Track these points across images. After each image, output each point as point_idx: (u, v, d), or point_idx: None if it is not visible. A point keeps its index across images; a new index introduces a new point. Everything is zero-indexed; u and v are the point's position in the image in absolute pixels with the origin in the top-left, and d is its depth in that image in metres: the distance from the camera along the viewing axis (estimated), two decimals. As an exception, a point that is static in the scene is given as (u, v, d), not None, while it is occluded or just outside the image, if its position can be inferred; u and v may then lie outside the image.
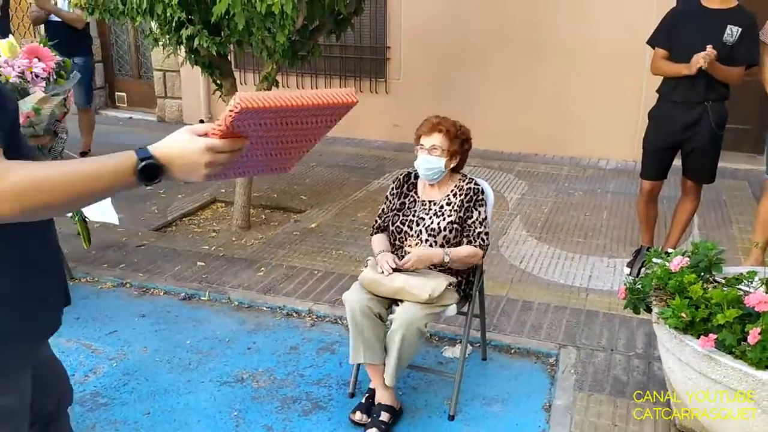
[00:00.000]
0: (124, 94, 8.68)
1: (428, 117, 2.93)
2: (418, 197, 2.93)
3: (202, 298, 3.85)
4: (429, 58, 6.95)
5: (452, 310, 2.76)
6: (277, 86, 4.57)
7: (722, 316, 2.05)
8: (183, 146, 1.21)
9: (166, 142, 1.22)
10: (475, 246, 2.80)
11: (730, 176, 5.94)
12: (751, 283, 2.49)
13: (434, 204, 2.88)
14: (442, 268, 2.77)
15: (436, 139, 2.84)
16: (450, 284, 2.72)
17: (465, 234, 2.83)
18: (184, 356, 3.28)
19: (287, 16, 3.74)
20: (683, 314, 2.16)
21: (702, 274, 2.51)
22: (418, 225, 2.83)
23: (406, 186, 2.98)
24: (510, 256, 4.37)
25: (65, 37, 5.47)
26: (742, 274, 2.49)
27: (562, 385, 2.98)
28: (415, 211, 2.89)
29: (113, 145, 7.20)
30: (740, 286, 2.43)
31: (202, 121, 6.47)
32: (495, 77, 6.77)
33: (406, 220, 2.86)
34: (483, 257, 2.87)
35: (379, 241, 2.90)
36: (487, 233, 2.85)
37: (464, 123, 3.00)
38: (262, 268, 4.14)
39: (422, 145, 2.87)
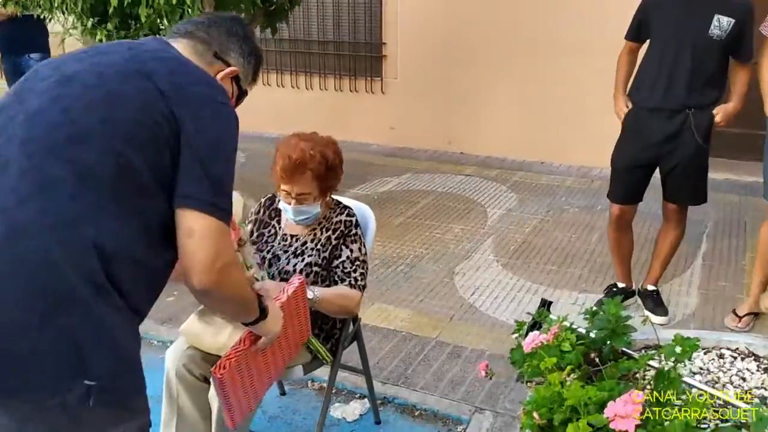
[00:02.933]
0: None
1: (287, 142, 2.22)
2: (280, 229, 2.37)
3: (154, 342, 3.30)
4: (428, 56, 6.34)
5: (298, 372, 2.20)
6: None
7: (574, 427, 1.43)
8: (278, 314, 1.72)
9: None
10: (346, 286, 2.24)
11: (756, 192, 5.09)
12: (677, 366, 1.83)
13: (296, 240, 2.31)
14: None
15: (304, 185, 2.18)
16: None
17: (331, 277, 2.26)
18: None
19: (189, 7, 3.27)
20: (535, 415, 1.54)
21: (606, 345, 1.87)
22: (271, 266, 2.28)
23: (268, 212, 2.42)
24: (462, 286, 3.75)
25: (18, 33, 5.18)
26: (661, 347, 1.84)
27: (456, 466, 2.38)
28: (272, 246, 2.33)
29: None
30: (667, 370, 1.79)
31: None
32: (499, 77, 6.09)
33: (260, 257, 2.32)
34: (358, 302, 2.29)
35: None
36: (362, 274, 2.27)
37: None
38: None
39: (286, 191, 2.21)
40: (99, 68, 1.29)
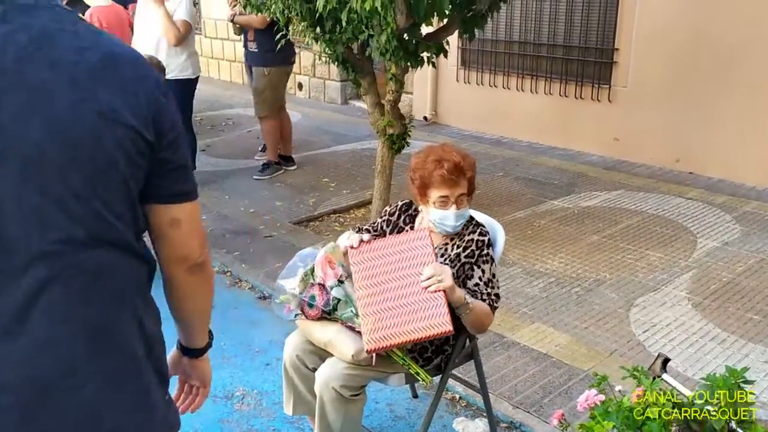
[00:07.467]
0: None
1: (433, 152, 2.22)
2: (411, 237, 2.41)
3: (276, 300, 3.76)
4: (664, 64, 5.82)
5: (397, 380, 2.22)
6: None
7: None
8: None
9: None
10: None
11: None
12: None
13: (426, 251, 2.33)
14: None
15: (464, 187, 2.21)
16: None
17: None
18: (206, 357, 3.23)
19: (384, 15, 3.41)
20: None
21: (723, 416, 1.63)
22: (394, 272, 2.33)
23: (403, 217, 2.45)
24: (637, 320, 3.43)
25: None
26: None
27: None
28: (400, 252, 2.38)
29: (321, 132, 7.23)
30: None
31: (425, 118, 6.28)
32: (746, 91, 5.38)
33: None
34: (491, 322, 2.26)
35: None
36: (497, 294, 2.23)
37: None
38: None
39: (445, 197, 2.18)
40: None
